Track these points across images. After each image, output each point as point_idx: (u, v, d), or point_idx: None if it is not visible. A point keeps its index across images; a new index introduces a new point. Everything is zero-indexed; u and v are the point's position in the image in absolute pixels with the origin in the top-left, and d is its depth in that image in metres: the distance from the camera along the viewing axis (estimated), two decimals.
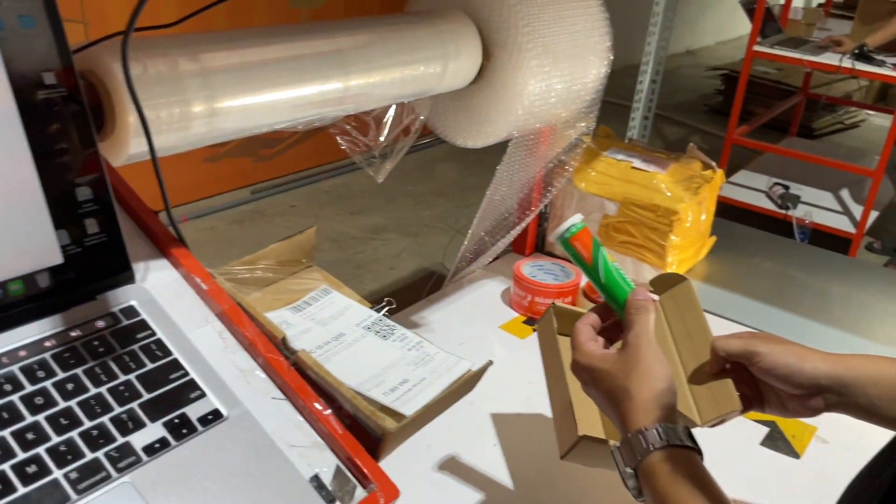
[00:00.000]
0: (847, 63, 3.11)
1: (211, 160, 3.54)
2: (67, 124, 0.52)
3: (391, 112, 0.99)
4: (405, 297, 1.29)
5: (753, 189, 3.64)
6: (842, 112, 4.95)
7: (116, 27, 0.63)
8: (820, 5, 5.13)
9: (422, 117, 1.06)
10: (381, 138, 0.98)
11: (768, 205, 3.49)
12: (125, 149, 0.66)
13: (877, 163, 3.17)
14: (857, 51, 3.15)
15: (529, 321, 1.20)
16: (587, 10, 1.11)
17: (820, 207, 3.49)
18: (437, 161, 4.31)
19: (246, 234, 3.27)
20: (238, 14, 3.26)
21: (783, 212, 3.40)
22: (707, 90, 5.76)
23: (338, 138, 0.96)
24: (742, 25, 7.82)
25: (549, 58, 1.04)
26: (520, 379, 1.06)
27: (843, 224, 3.35)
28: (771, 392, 0.65)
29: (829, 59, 3.19)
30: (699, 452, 0.57)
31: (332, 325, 0.64)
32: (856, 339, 1.19)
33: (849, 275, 1.42)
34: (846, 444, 0.98)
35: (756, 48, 3.29)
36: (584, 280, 1.22)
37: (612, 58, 1.15)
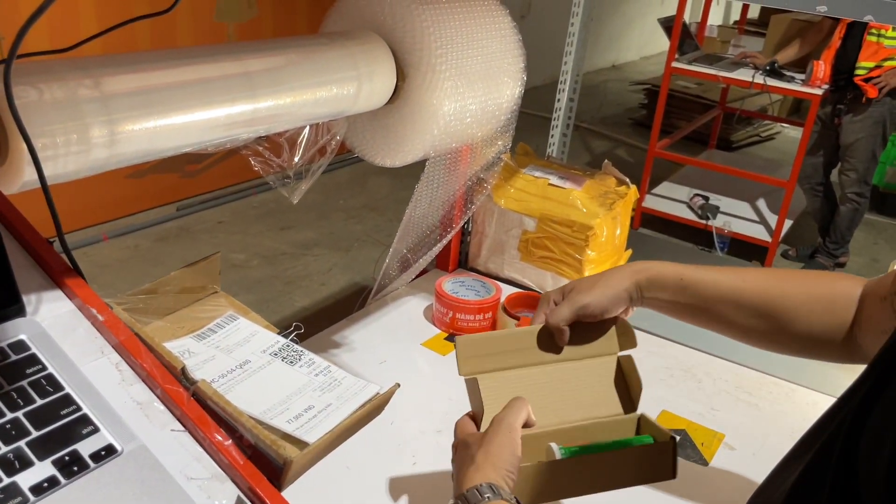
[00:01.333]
0: (759, 79, 3.26)
1: (135, 176, 3.45)
2: None
3: (305, 133, 0.99)
4: (336, 312, 1.28)
5: (675, 200, 3.76)
6: (758, 125, 5.17)
7: (36, 43, 0.62)
8: (735, 23, 5.36)
9: (338, 137, 1.06)
10: (296, 159, 0.98)
11: (690, 215, 3.61)
12: (19, 176, 0.64)
13: (790, 173, 3.32)
14: (768, 67, 3.30)
15: (450, 337, 1.21)
16: (500, 32, 1.13)
17: (738, 217, 3.63)
18: (369, 175, 4.30)
19: (171, 252, 3.20)
20: (162, 31, 3.20)
21: (703, 222, 3.53)
22: (632, 104, 5.93)
23: (251, 160, 0.95)
24: (664, 41, 8.10)
25: (462, 79, 1.05)
26: (440, 395, 1.07)
27: (759, 233, 3.50)
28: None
29: (743, 74, 3.33)
30: None
31: (237, 353, 0.63)
32: None
33: None
34: (752, 450, 1.02)
35: (674, 64, 3.42)
36: (503, 295, 1.24)
37: (525, 78, 1.18)
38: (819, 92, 3.16)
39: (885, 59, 3.02)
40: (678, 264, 0.81)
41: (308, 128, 0.99)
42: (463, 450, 0.68)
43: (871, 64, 3.05)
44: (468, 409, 0.94)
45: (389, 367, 1.14)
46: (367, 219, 3.78)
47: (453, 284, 1.26)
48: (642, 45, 7.78)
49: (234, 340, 0.64)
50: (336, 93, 0.95)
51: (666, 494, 0.92)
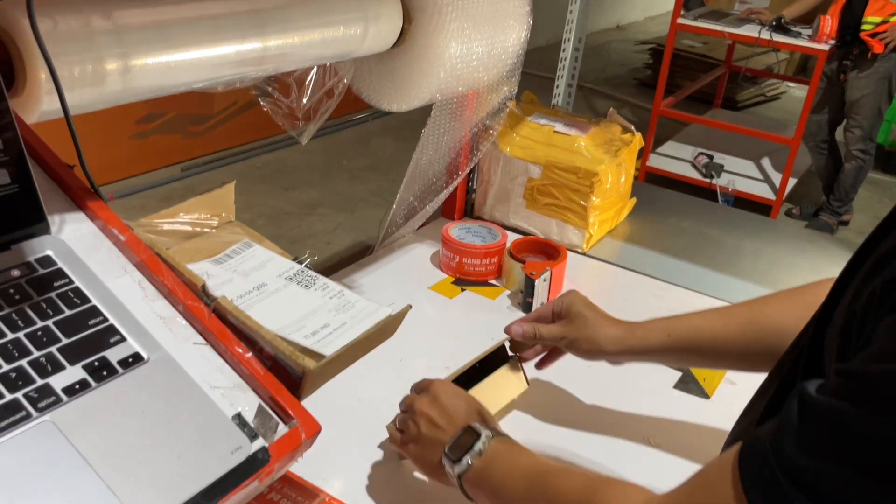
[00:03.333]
0: (765, 35, 3.23)
1: (139, 137, 3.46)
2: None
3: (313, 74, 1.00)
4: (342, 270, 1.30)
5: (679, 159, 3.76)
6: (764, 84, 5.13)
7: None
8: None
9: (345, 80, 1.07)
10: (304, 100, 0.99)
11: (694, 174, 3.61)
12: (37, 105, 0.66)
13: (794, 132, 3.31)
14: (774, 23, 3.27)
15: (458, 281, 1.23)
16: None
17: (742, 176, 3.63)
18: (372, 136, 4.29)
19: None
20: None
21: (708, 180, 3.53)
22: (636, 64, 5.89)
23: (260, 100, 0.96)
24: (670, 1, 8.00)
25: (469, 21, 1.06)
26: (448, 335, 1.10)
27: (764, 191, 3.50)
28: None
29: (749, 31, 3.31)
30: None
31: (254, 276, 0.65)
32: (765, 291, 1.27)
33: (759, 232, 1.49)
34: (753, 386, 1.04)
35: (680, 21, 3.39)
36: (509, 241, 1.25)
37: (531, 22, 1.18)
38: (825, 48, 3.13)
39: (892, 15, 2.99)
40: (667, 318, 0.83)
41: (316, 69, 1.00)
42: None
43: (878, 19, 3.02)
44: (475, 348, 0.96)
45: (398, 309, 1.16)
46: (371, 179, 3.78)
47: (460, 231, 1.27)
48: (647, 6, 7.69)
49: (251, 265, 0.66)
50: (343, 33, 0.95)
51: (671, 424, 0.95)
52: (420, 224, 1.35)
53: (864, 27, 3.03)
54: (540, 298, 1.15)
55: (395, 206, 1.28)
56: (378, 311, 0.64)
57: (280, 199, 3.50)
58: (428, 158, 1.27)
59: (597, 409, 0.97)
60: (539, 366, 0.93)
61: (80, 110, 0.70)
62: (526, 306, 1.15)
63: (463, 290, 1.21)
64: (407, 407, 0.77)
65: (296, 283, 0.65)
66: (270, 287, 0.64)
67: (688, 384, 1.03)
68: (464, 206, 1.45)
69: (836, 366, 0.42)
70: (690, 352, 0.81)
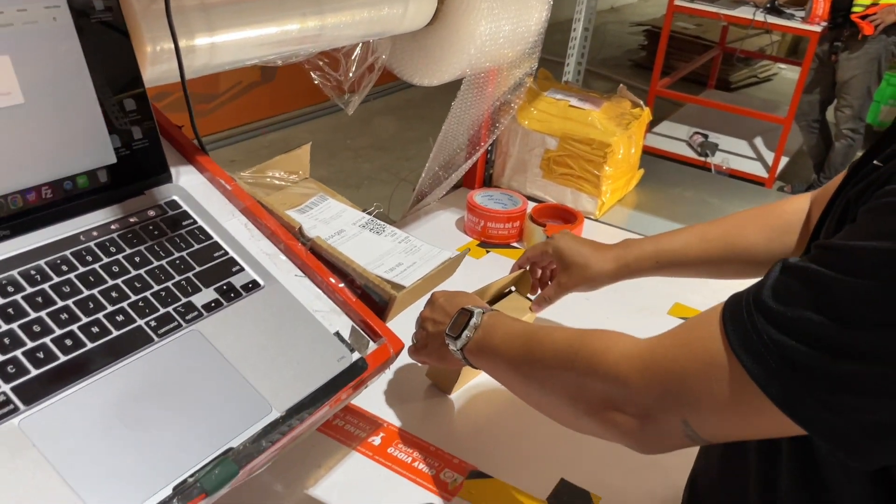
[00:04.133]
0: (760, 17, 3.33)
1: None
2: (115, 45, 0.61)
3: (358, 50, 1.09)
4: None
5: (675, 138, 3.86)
6: (756, 66, 5.23)
7: None
8: None
9: (384, 56, 1.16)
10: (350, 74, 1.09)
11: (689, 153, 3.72)
12: (142, 75, 0.75)
13: (787, 111, 3.42)
14: (768, 5, 3.37)
15: (483, 244, 1.34)
16: None
17: (736, 154, 3.74)
18: (374, 115, 4.37)
19: None
20: None
21: (703, 159, 3.64)
22: (631, 45, 5.97)
23: (311, 73, 1.05)
24: None
25: (497, 1, 1.15)
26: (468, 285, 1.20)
27: (757, 169, 3.61)
28: None
29: (744, 12, 3.40)
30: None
31: (333, 224, 0.75)
32: None
33: (756, 200, 1.60)
34: None
35: (677, 2, 3.48)
36: (530, 207, 1.36)
37: (552, 2, 1.28)
38: (818, 29, 3.24)
39: None
40: (653, 241, 0.94)
41: (360, 45, 1.09)
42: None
43: (868, 1, 3.13)
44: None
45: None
46: (375, 158, 3.87)
47: (483, 198, 1.37)
48: None
49: (329, 214, 0.76)
50: (387, 12, 1.05)
51: None
52: (444, 193, 1.45)
53: (855, 9, 3.14)
54: None
55: (423, 175, 1.38)
56: (441, 253, 0.74)
57: None
58: (454, 131, 1.37)
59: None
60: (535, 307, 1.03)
61: (163, 81, 0.79)
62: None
63: (488, 251, 1.32)
64: (417, 321, 0.83)
65: (368, 230, 0.75)
66: (348, 233, 0.74)
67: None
68: (483, 176, 1.55)
69: (815, 243, 0.48)
70: (673, 270, 0.94)
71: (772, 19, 3.34)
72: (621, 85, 1.56)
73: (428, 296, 0.78)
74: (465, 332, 0.71)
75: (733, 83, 5.00)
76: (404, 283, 0.67)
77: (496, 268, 1.28)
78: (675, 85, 4.05)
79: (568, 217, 1.33)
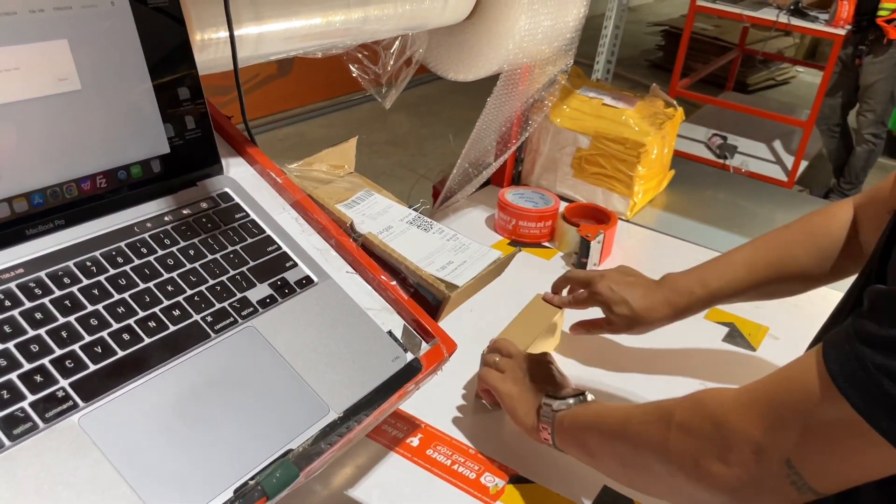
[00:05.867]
0: (783, 18, 3.29)
1: None
2: (170, 32, 0.59)
3: (397, 43, 1.07)
4: None
5: (694, 140, 3.83)
6: (774, 68, 5.19)
7: None
8: None
9: (421, 49, 1.14)
10: (389, 67, 1.07)
11: (708, 155, 3.69)
12: None
13: (808, 115, 3.39)
14: (792, 7, 3.34)
15: (514, 243, 1.32)
16: None
17: (755, 157, 3.71)
18: (389, 111, 4.35)
19: None
20: None
21: (721, 161, 3.61)
22: (648, 46, 5.93)
23: (350, 66, 1.04)
24: None
25: None
26: (511, 290, 1.18)
27: (776, 173, 3.58)
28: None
29: (767, 14, 3.37)
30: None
31: (381, 220, 0.73)
32: None
33: (786, 204, 1.58)
34: (795, 340, 1.12)
35: (699, 2, 3.45)
36: (562, 206, 1.34)
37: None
38: (842, 32, 3.20)
39: None
40: (700, 280, 0.91)
41: (399, 39, 1.07)
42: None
43: (893, 5, 3.09)
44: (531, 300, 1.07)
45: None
46: (391, 154, 3.85)
47: (514, 196, 1.35)
48: None
49: (376, 210, 0.74)
50: (428, 5, 1.03)
51: (718, 374, 1.04)
52: (474, 190, 1.43)
53: (881, 13, 3.10)
54: (593, 259, 1.24)
55: (454, 171, 1.36)
56: (490, 252, 0.73)
57: None
58: (486, 128, 1.35)
59: (647, 359, 1.06)
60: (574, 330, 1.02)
61: (213, 70, 0.77)
62: (580, 266, 1.23)
63: (519, 250, 1.30)
64: (510, 352, 0.84)
65: (416, 227, 0.74)
66: (396, 229, 0.72)
67: (735, 338, 1.12)
68: (512, 173, 1.53)
69: None
70: (721, 301, 0.92)
71: (795, 21, 3.31)
72: (654, 84, 1.54)
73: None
74: (567, 402, 0.72)
75: (751, 85, 4.96)
76: (457, 283, 0.65)
77: (528, 267, 1.26)
78: (693, 86, 4.02)
79: (601, 217, 1.31)
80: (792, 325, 1.17)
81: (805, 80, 5.41)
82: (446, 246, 0.72)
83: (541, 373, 0.80)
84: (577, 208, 1.34)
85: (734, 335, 1.12)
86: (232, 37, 0.66)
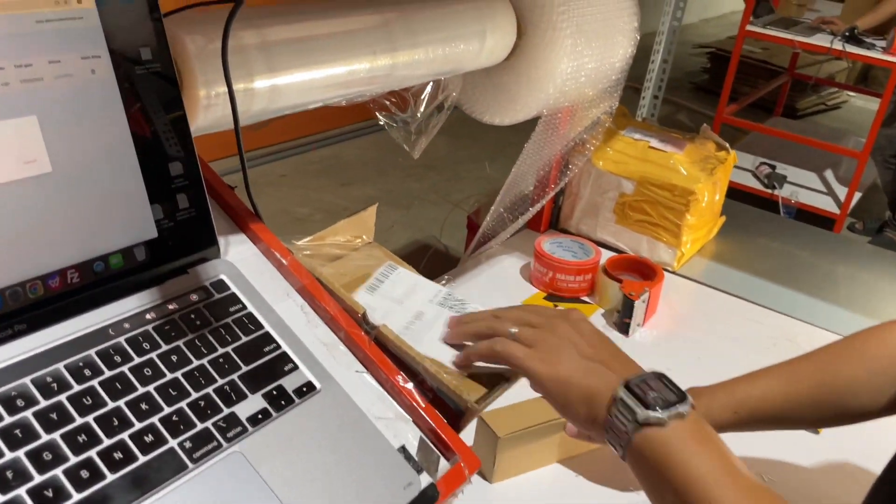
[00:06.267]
0: (838, 45, 3.15)
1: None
2: (161, 100, 0.52)
3: (428, 88, 0.99)
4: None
5: (740, 168, 3.69)
6: (824, 93, 5.01)
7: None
8: None
9: (454, 94, 1.06)
10: (419, 114, 0.99)
11: (755, 184, 3.54)
12: (193, 122, 0.66)
13: (863, 145, 3.24)
14: (847, 33, 3.19)
15: (550, 297, 1.22)
16: None
17: (805, 187, 3.55)
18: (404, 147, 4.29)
19: None
20: None
21: (769, 191, 3.46)
22: (692, 68, 5.79)
23: (377, 114, 0.96)
24: (726, 3, 7.84)
25: (581, 37, 1.05)
26: None
27: (827, 204, 3.42)
28: None
29: (821, 40, 3.23)
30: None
31: (409, 304, 0.65)
32: (863, 320, 1.24)
33: (845, 252, 1.46)
34: (860, 424, 1.02)
35: (749, 27, 3.32)
36: (603, 257, 1.24)
37: (638, 38, 1.17)
38: None
39: None
40: (728, 389, 0.75)
41: (431, 83, 0.99)
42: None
43: None
44: None
45: None
46: (426, 177, 3.78)
47: (551, 245, 1.26)
48: (702, 8, 7.56)
49: (401, 291, 0.66)
50: (463, 48, 0.95)
51: (779, 458, 0.93)
52: (509, 235, 1.34)
53: None
54: (637, 319, 1.14)
55: (487, 218, 1.28)
56: None
57: (336, 194, 3.52)
58: (524, 172, 1.26)
59: None
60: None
61: (217, 128, 0.70)
62: (622, 327, 1.13)
63: (556, 305, 1.20)
64: (540, 321, 0.59)
65: (447, 308, 0.65)
66: (427, 316, 0.64)
67: None
68: (550, 217, 1.44)
69: None
70: (758, 424, 0.76)
71: (850, 48, 3.16)
72: (704, 125, 1.43)
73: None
74: (667, 413, 0.50)
75: (800, 110, 4.79)
76: (485, 391, 0.56)
77: None
78: (740, 111, 3.87)
79: (646, 272, 1.21)
80: None
81: (857, 104, 5.22)
82: None
83: (596, 341, 0.58)
84: (620, 261, 1.24)
85: None
86: (232, 95, 0.59)
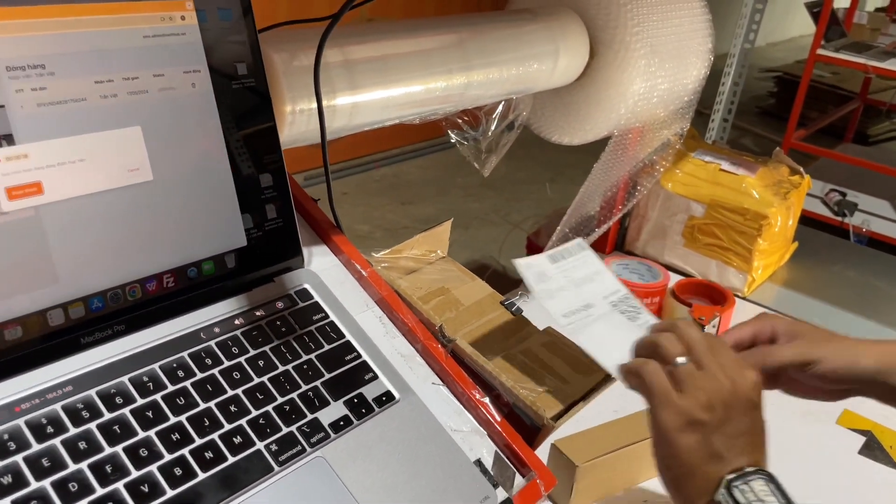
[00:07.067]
0: None
1: None
2: (254, 114, 0.54)
3: (500, 108, 1.00)
4: None
5: (809, 195, 3.58)
6: None
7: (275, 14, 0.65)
8: (880, 10, 5.02)
9: (524, 113, 1.07)
10: (489, 132, 1.00)
11: (824, 211, 3.44)
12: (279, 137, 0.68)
13: None
14: None
15: None
16: (692, 11, 1.11)
17: (876, 216, 3.43)
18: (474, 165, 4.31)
19: None
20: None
21: (839, 219, 3.35)
22: (758, 92, 5.68)
23: (449, 132, 0.97)
24: (793, 27, 7.69)
25: (655, 58, 1.04)
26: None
27: None
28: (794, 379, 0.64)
29: (894, 64, 3.13)
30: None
31: (583, 291, 0.61)
32: None
33: None
34: None
35: (820, 51, 3.24)
36: (672, 281, 1.22)
37: (712, 59, 1.15)
38: None
39: None
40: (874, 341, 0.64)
41: (502, 102, 1.00)
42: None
43: None
44: (636, 406, 0.94)
45: None
46: (485, 197, 3.79)
47: (618, 267, 1.25)
48: (769, 32, 7.42)
49: (582, 274, 0.63)
50: (536, 68, 0.96)
51: (856, 496, 0.89)
52: None
53: None
54: None
55: (553, 238, 1.27)
56: None
57: (397, 212, 3.56)
58: (591, 192, 1.26)
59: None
60: None
61: (300, 143, 0.72)
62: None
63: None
64: (702, 361, 0.52)
65: (619, 312, 0.60)
66: (596, 311, 0.59)
67: (873, 450, 0.97)
68: (616, 239, 1.43)
69: None
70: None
71: None
72: (778, 149, 1.41)
73: None
74: None
75: (872, 136, 4.64)
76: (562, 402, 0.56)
77: None
78: (808, 137, 3.78)
79: (715, 296, 1.19)
80: None
81: None
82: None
83: (745, 419, 0.52)
84: (689, 285, 1.22)
85: (872, 447, 0.97)
86: (321, 111, 0.60)
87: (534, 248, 1.40)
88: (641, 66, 1.02)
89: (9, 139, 0.42)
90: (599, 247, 1.42)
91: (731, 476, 0.49)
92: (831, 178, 3.70)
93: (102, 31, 0.45)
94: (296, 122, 0.67)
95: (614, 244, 1.43)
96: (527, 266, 0.59)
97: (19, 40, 0.42)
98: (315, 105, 0.69)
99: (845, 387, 0.63)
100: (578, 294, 0.59)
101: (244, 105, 0.53)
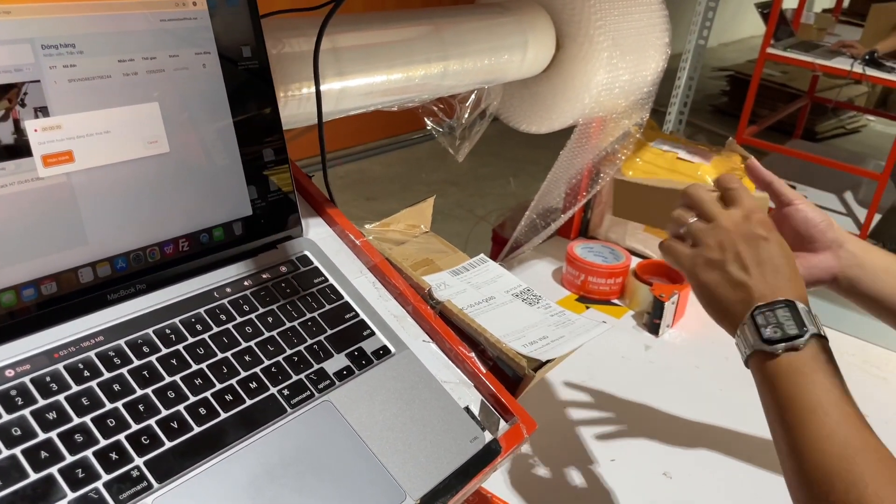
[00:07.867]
0: (858, 68, 3.20)
1: None
2: (258, 93, 0.59)
3: (473, 96, 1.06)
4: None
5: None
6: (844, 116, 5.05)
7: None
8: (827, 10, 5.22)
9: (495, 103, 1.13)
10: (463, 120, 1.06)
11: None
12: None
13: (882, 168, 3.27)
14: (867, 56, 3.25)
15: (582, 299, 1.28)
16: (650, 7, 1.18)
17: (824, 209, 3.58)
18: (448, 150, 4.38)
19: None
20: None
21: None
22: (712, 90, 5.85)
23: (425, 119, 1.03)
24: (744, 28, 7.92)
25: (617, 50, 1.11)
26: (583, 350, 1.14)
27: (847, 225, 3.45)
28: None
29: (841, 63, 3.28)
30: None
31: (485, 290, 0.71)
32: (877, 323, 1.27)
33: None
34: None
35: (769, 50, 3.38)
36: (633, 263, 1.29)
37: (669, 53, 1.23)
38: None
39: None
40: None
41: (475, 92, 1.06)
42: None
43: None
44: (611, 364, 1.01)
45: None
46: (449, 193, 3.85)
47: (583, 250, 1.32)
48: (721, 32, 7.63)
49: (483, 279, 0.72)
50: (507, 58, 1.02)
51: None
52: (541, 241, 1.40)
53: None
54: (666, 321, 1.19)
55: (522, 222, 1.34)
56: (598, 326, 0.69)
57: (361, 208, 3.60)
58: (557, 180, 1.32)
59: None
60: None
61: (293, 125, 0.77)
62: (653, 327, 1.19)
63: (588, 307, 1.26)
64: (709, 215, 0.63)
65: (521, 300, 0.70)
66: (498, 301, 0.69)
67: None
68: (580, 225, 1.50)
69: None
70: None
71: (870, 72, 3.21)
72: (731, 138, 1.49)
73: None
74: (780, 346, 0.53)
75: (820, 133, 4.83)
76: (541, 358, 0.62)
77: None
78: (759, 133, 3.92)
79: (674, 276, 1.27)
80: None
81: (876, 128, 5.25)
82: (547, 321, 0.69)
83: (754, 249, 0.59)
84: (650, 265, 1.29)
85: None
86: (318, 94, 0.65)
87: (499, 239, 1.46)
88: (604, 58, 1.09)
89: (44, 111, 0.46)
90: (564, 233, 1.49)
91: (760, 304, 0.56)
92: (781, 172, 3.82)
93: (125, 15, 0.49)
94: (287, 106, 0.72)
95: (578, 230, 1.50)
96: (428, 280, 0.66)
97: (53, 21, 0.46)
98: (304, 90, 0.74)
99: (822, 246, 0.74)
100: (479, 293, 0.68)
101: (249, 85, 0.58)
